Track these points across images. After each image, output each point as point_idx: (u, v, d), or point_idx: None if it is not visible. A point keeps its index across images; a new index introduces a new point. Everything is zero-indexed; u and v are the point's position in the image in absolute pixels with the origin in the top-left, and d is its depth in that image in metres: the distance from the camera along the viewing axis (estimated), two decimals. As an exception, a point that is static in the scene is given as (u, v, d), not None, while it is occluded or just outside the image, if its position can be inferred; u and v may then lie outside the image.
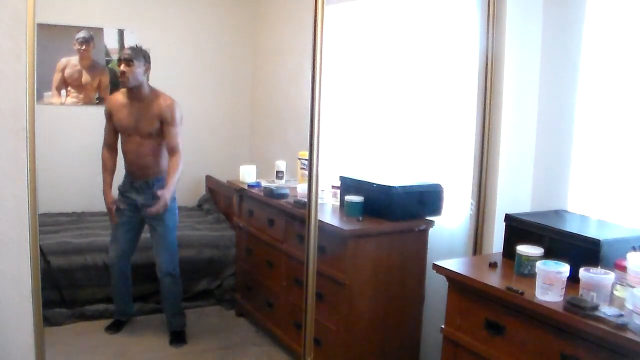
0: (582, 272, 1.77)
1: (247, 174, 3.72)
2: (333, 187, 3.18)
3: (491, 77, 2.56)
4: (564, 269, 1.80)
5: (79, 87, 4.69)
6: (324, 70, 2.24)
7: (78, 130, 4.61)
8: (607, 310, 1.63)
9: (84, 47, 4.63)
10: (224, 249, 4.10)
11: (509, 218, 2.29)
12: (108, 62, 4.68)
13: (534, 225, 2.16)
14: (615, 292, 1.81)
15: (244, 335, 3.62)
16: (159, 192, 3.20)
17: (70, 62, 4.63)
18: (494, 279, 2.02)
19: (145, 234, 3.59)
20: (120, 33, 4.74)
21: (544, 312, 1.76)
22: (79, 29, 4.60)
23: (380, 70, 3.37)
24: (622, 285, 1.80)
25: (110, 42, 4.72)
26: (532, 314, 1.82)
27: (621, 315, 1.61)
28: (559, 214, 2.40)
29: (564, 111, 2.46)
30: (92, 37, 4.64)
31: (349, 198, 2.89)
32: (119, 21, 4.73)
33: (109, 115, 3.38)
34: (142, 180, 3.38)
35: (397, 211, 2.78)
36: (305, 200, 2.44)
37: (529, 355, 1.84)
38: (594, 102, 2.35)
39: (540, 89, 2.57)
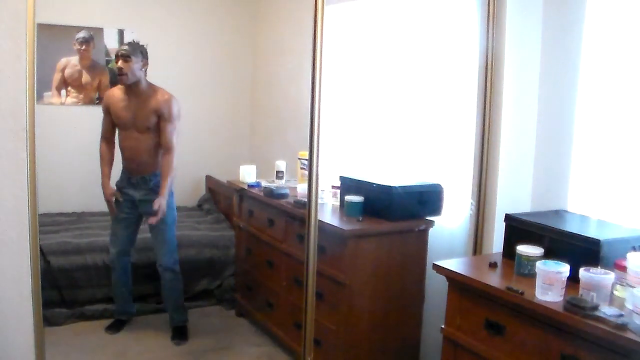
0: (582, 272, 1.77)
1: (247, 174, 3.72)
2: (333, 187, 3.18)
3: (491, 77, 2.56)
4: (564, 269, 1.80)
5: (79, 87, 4.69)
6: (324, 70, 2.24)
7: (78, 130, 4.61)
8: (607, 310, 1.63)
9: (84, 47, 4.63)
10: (224, 249, 4.10)
11: (509, 218, 2.29)
12: (108, 62, 4.68)
13: (534, 225, 2.16)
14: (615, 292, 1.81)
15: (244, 335, 3.62)
16: (155, 202, 3.23)
17: (70, 62, 4.63)
18: (494, 279, 2.02)
19: (145, 234, 3.60)
20: (120, 33, 4.74)
21: (544, 312, 1.76)
22: (79, 29, 4.60)
23: (380, 70, 3.37)
24: (622, 285, 1.80)
25: (110, 42, 4.72)
26: (532, 314, 1.82)
27: (621, 315, 1.61)
28: (559, 214, 2.40)
29: (564, 111, 2.46)
30: (92, 37, 4.64)
31: (349, 198, 2.89)
32: (119, 21, 4.73)
33: (107, 110, 3.39)
34: (139, 176, 3.38)
35: (397, 211, 2.78)
36: (305, 200, 2.44)
37: (529, 355, 1.84)
38: (594, 102, 2.35)
39: (540, 89, 2.57)
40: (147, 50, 3.31)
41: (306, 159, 2.62)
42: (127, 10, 4.75)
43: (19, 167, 2.05)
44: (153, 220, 3.21)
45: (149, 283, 3.76)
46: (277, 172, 3.71)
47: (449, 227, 2.92)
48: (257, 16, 5.14)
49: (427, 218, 2.86)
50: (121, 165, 3.45)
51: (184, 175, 4.73)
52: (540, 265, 1.83)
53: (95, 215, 4.54)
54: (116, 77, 3.31)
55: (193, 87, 5.00)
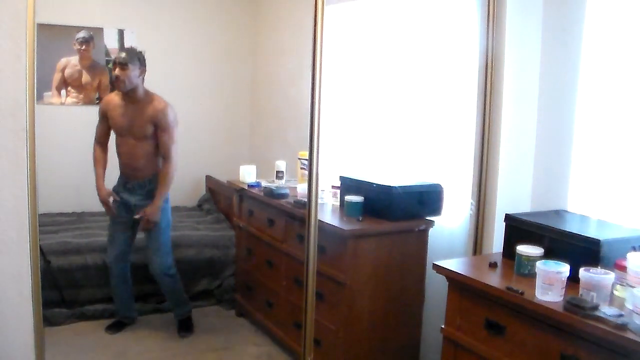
0: (582, 272, 1.77)
1: (247, 174, 3.72)
2: (333, 187, 3.18)
3: (491, 77, 2.56)
4: (564, 269, 1.80)
5: (79, 87, 4.69)
6: (324, 70, 2.24)
7: (78, 130, 4.60)
8: (607, 310, 1.63)
9: (84, 47, 4.63)
10: (224, 249, 4.10)
11: (509, 218, 2.29)
12: (108, 62, 4.68)
13: (534, 225, 2.16)
14: (615, 292, 1.81)
15: (244, 335, 3.62)
16: (147, 210, 3.28)
17: (70, 62, 4.63)
18: (494, 279, 2.02)
19: (142, 234, 3.60)
20: (120, 33, 4.74)
21: (544, 312, 1.76)
22: (79, 29, 4.60)
23: (380, 70, 3.37)
24: (622, 285, 1.80)
25: (110, 42, 4.72)
26: (532, 314, 1.82)
27: (621, 315, 1.61)
28: (559, 214, 2.40)
29: (564, 111, 2.46)
30: (92, 37, 4.64)
31: (349, 198, 2.89)
32: (119, 21, 4.73)
33: (104, 115, 3.40)
34: (136, 181, 3.40)
35: (397, 211, 2.78)
36: (305, 200, 2.44)
37: (529, 355, 1.84)
38: (594, 102, 2.35)
39: (540, 89, 2.57)
40: (145, 57, 3.30)
41: (306, 159, 2.62)
42: (127, 10, 4.76)
43: (19, 167, 2.05)
44: (141, 227, 3.32)
45: (149, 283, 3.75)
46: (277, 172, 3.71)
47: (449, 227, 2.92)
48: (257, 16, 5.14)
49: (427, 218, 2.86)
50: (118, 170, 3.46)
51: (184, 175, 4.73)
52: (540, 265, 1.83)
53: (95, 215, 4.53)
54: (111, 81, 3.33)
55: (193, 87, 5.01)
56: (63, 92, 4.65)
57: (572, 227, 2.14)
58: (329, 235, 2.71)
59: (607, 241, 1.92)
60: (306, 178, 2.45)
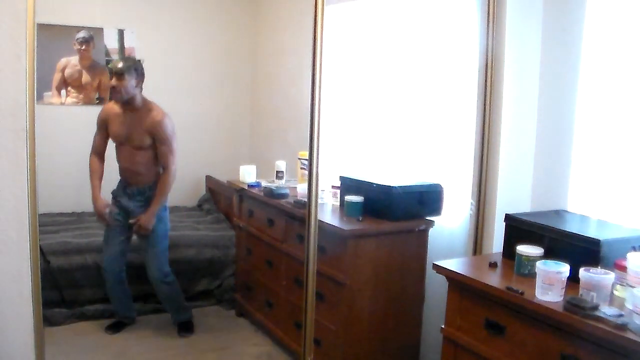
0: (582, 272, 1.77)
1: (247, 174, 3.72)
2: (333, 187, 3.18)
3: (491, 77, 2.56)
4: (564, 269, 1.80)
5: (79, 87, 4.69)
6: (324, 70, 2.24)
7: (78, 130, 4.59)
8: (607, 310, 1.63)
9: (84, 47, 4.63)
10: (224, 249, 4.09)
11: (509, 218, 2.29)
12: (108, 62, 4.68)
13: (534, 225, 2.16)
14: (615, 292, 1.81)
15: (244, 335, 3.62)
16: (142, 217, 3.30)
17: (70, 62, 4.63)
18: (494, 279, 2.02)
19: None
20: (120, 33, 4.74)
21: (544, 312, 1.76)
22: (79, 29, 4.60)
23: (380, 70, 3.37)
24: (622, 285, 1.80)
25: (110, 42, 4.72)
26: (532, 314, 1.82)
27: (621, 315, 1.61)
28: (559, 214, 2.40)
29: (564, 111, 2.46)
30: (92, 37, 4.64)
31: (349, 198, 2.89)
32: (119, 21, 4.73)
33: (104, 125, 3.39)
34: (135, 187, 3.40)
35: (397, 211, 2.78)
36: (305, 200, 2.44)
37: (529, 355, 1.84)
38: (594, 102, 2.35)
39: (540, 89, 2.57)
40: (143, 66, 3.30)
41: (306, 159, 2.62)
42: (127, 10, 4.75)
43: (19, 167, 2.05)
44: (134, 232, 3.34)
45: (148, 283, 3.75)
46: (277, 172, 3.71)
47: (449, 227, 2.92)
48: (257, 16, 5.14)
49: (427, 218, 2.86)
50: (115, 174, 3.47)
51: (184, 175, 4.72)
52: (540, 265, 1.83)
53: (95, 215, 4.52)
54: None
55: (193, 87, 5.00)
56: (63, 92, 4.65)
57: (572, 227, 2.14)
58: (329, 235, 2.71)
59: (607, 241, 1.92)
60: (306, 178, 2.45)
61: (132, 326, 3.63)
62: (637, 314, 1.57)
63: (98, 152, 3.43)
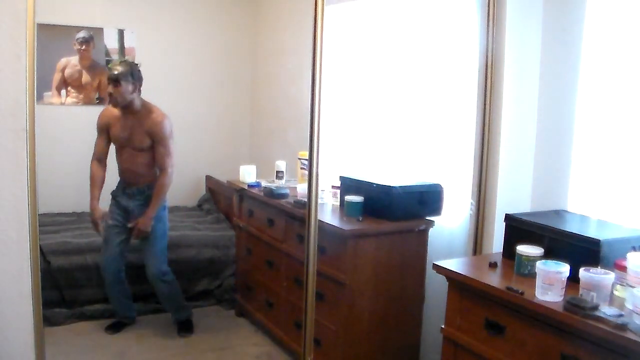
0: (582, 272, 1.77)
1: (247, 174, 3.72)
2: (333, 187, 3.18)
3: (491, 77, 2.56)
4: (564, 269, 1.80)
5: (79, 87, 4.69)
6: (324, 70, 2.24)
7: (78, 130, 4.60)
8: (607, 310, 1.63)
9: (84, 47, 4.63)
10: (224, 249, 4.09)
11: (509, 218, 2.29)
12: (108, 62, 4.68)
13: (534, 225, 2.16)
14: (615, 292, 1.81)
15: (244, 335, 3.62)
16: (140, 220, 3.31)
17: (70, 62, 4.63)
18: (494, 279, 2.02)
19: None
20: (120, 33, 4.74)
21: (544, 312, 1.76)
22: (79, 29, 4.60)
23: (380, 70, 3.37)
24: (622, 285, 1.80)
25: (110, 42, 4.72)
26: (532, 314, 1.82)
27: (621, 315, 1.61)
28: (559, 214, 2.40)
29: (564, 111, 2.46)
30: (92, 37, 4.64)
31: (349, 198, 2.89)
32: (119, 21, 4.73)
33: (105, 129, 3.39)
34: (135, 187, 3.41)
35: (397, 211, 2.78)
36: (305, 200, 2.44)
37: (529, 355, 1.84)
38: (594, 102, 2.35)
39: (540, 89, 2.57)
40: (140, 70, 3.29)
41: (306, 159, 2.62)
42: (127, 10, 4.75)
43: (19, 167, 2.05)
44: (134, 236, 3.36)
45: (148, 283, 3.75)
46: (277, 172, 3.71)
47: (449, 227, 2.92)
48: (257, 16, 5.14)
49: (427, 218, 2.86)
50: (114, 176, 3.48)
51: (184, 175, 4.74)
52: (540, 265, 1.83)
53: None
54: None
55: (193, 87, 5.01)
56: (63, 92, 4.65)
57: (572, 227, 2.14)
58: (329, 235, 2.71)
59: (607, 241, 1.91)
60: (306, 178, 2.45)
61: (132, 326, 3.64)
62: (637, 314, 1.57)
63: (99, 158, 3.42)
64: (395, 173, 3.20)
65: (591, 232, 2.04)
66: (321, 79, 2.24)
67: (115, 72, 3.18)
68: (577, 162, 2.41)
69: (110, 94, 3.22)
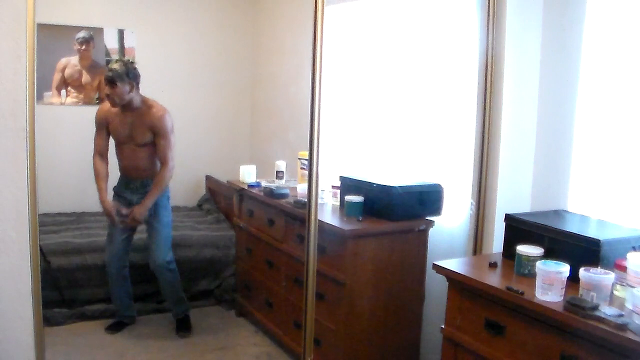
0: (582, 272, 1.77)
1: (247, 174, 3.72)
2: (333, 187, 3.18)
3: (491, 77, 2.56)
4: (564, 269, 1.80)
5: (79, 87, 4.69)
6: (324, 70, 2.24)
7: (78, 130, 4.60)
8: (607, 310, 1.63)
9: (84, 47, 4.63)
10: (224, 249, 4.10)
11: (509, 218, 2.29)
12: (108, 62, 4.68)
13: (534, 225, 2.16)
14: (615, 292, 1.81)
15: (244, 335, 3.62)
16: (136, 209, 3.33)
17: (70, 62, 4.63)
18: (494, 279, 2.02)
19: (143, 234, 3.61)
20: (120, 33, 4.74)
21: (544, 312, 1.76)
22: (79, 29, 4.60)
23: (380, 70, 3.37)
24: (622, 285, 1.80)
25: (110, 42, 4.72)
26: (532, 314, 1.82)
27: (621, 315, 1.61)
28: (559, 214, 2.40)
29: (564, 111, 2.46)
30: (92, 37, 4.64)
31: (349, 198, 2.89)
32: (119, 21, 4.73)
33: (103, 125, 3.40)
34: (138, 180, 3.44)
35: (397, 211, 2.78)
36: (305, 200, 2.44)
37: (529, 355, 1.84)
38: (594, 102, 2.35)
39: (540, 89, 2.57)
40: (136, 68, 3.29)
41: (306, 159, 2.62)
42: (127, 10, 4.75)
43: (19, 167, 2.05)
44: (128, 222, 3.35)
45: (148, 283, 3.76)
46: (277, 172, 3.71)
47: (449, 227, 2.92)
48: (257, 16, 5.14)
49: (427, 218, 2.86)
50: (114, 172, 3.48)
51: (184, 175, 4.74)
52: (540, 265, 1.83)
53: (95, 215, 4.53)
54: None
55: (193, 87, 5.00)
56: (63, 92, 4.65)
57: (572, 227, 2.14)
58: (329, 235, 2.71)
59: (607, 241, 1.92)
60: (306, 178, 2.45)
61: (132, 326, 3.64)
62: (637, 314, 1.57)
63: (101, 153, 3.43)
64: (395, 173, 3.20)
65: (591, 232, 2.04)
66: (321, 79, 2.24)
67: (111, 74, 3.19)
68: (577, 162, 2.41)
69: (108, 95, 3.22)
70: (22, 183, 2.06)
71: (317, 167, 2.30)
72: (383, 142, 3.38)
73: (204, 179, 5.16)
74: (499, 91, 2.55)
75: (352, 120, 3.63)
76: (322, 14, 2.21)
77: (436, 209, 2.89)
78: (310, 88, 2.24)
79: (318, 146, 2.28)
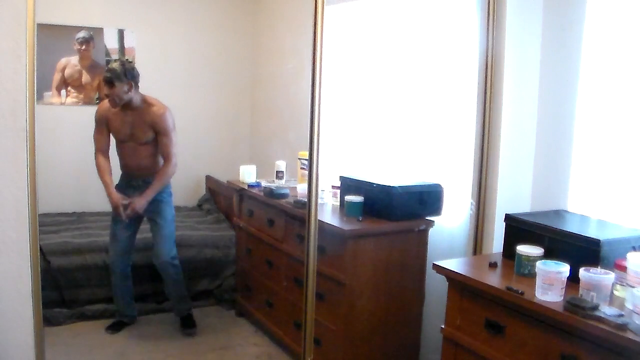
0: (582, 272, 1.77)
1: (247, 174, 3.72)
2: (333, 187, 3.18)
3: (491, 77, 2.56)
4: (564, 269, 1.80)
5: (79, 87, 4.69)
6: (324, 70, 2.24)
7: (78, 130, 4.60)
8: (607, 310, 1.63)
9: (84, 47, 4.63)
10: (224, 249, 4.09)
11: (509, 218, 2.29)
12: (108, 62, 4.67)
13: (534, 225, 2.16)
14: (615, 292, 1.81)
15: (244, 335, 3.62)
16: (136, 200, 3.32)
17: (70, 62, 4.63)
18: (494, 279, 2.02)
19: (144, 234, 3.61)
20: (120, 33, 4.74)
21: (544, 312, 1.76)
22: (79, 29, 4.60)
23: (380, 70, 3.37)
24: (622, 285, 1.80)
25: (110, 42, 4.72)
26: (532, 314, 1.82)
27: (621, 315, 1.61)
28: (559, 214, 2.40)
29: (564, 111, 2.46)
30: (92, 37, 4.65)
31: (349, 198, 2.89)
32: (119, 21, 4.73)
33: (103, 123, 3.40)
34: (141, 178, 3.44)
35: (397, 211, 2.78)
36: (305, 200, 2.44)
37: (529, 355, 1.84)
38: (594, 102, 2.35)
39: (540, 89, 2.57)
40: (135, 68, 3.29)
41: (306, 159, 2.62)
42: (127, 10, 4.75)
43: (19, 167, 2.05)
44: (126, 214, 3.32)
45: (149, 283, 3.77)
46: (277, 172, 3.72)
47: (449, 227, 2.92)
48: (257, 16, 5.14)
49: (427, 218, 2.86)
50: (120, 170, 3.49)
51: (184, 175, 4.73)
52: (540, 265, 1.83)
53: (95, 215, 4.54)
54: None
55: (193, 87, 5.00)
56: (63, 92, 4.65)
57: (572, 227, 2.14)
58: (329, 235, 2.71)
59: (607, 241, 1.92)
60: (306, 178, 2.45)
61: (132, 326, 3.64)
62: (637, 314, 1.57)
63: (102, 150, 3.43)
64: (395, 173, 3.20)
65: (591, 232, 2.04)
66: (321, 79, 2.24)
67: (109, 74, 3.19)
68: (577, 162, 2.41)
69: (108, 95, 3.23)
70: (22, 183, 2.06)
71: (317, 167, 2.30)
72: (383, 142, 3.38)
73: (204, 179, 5.16)
74: (499, 91, 2.55)
75: (352, 120, 3.63)
76: (322, 14, 2.21)
77: (436, 209, 2.89)
78: (310, 88, 2.24)
79: (318, 146, 2.28)
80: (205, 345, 3.46)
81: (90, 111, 4.59)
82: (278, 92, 4.70)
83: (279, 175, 3.71)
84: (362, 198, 2.87)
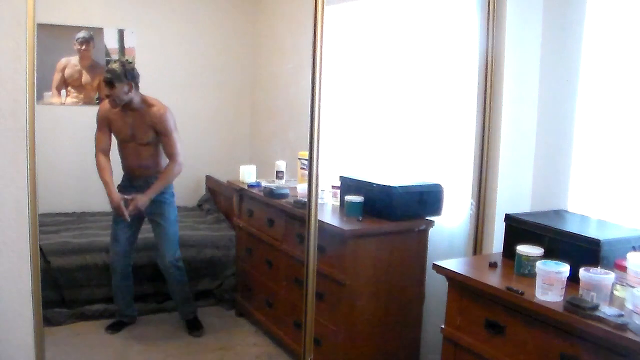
0: (582, 272, 1.77)
1: (247, 174, 3.72)
2: (333, 187, 3.18)
3: (491, 77, 2.56)
4: (564, 269, 1.80)
5: (79, 87, 4.69)
6: (324, 71, 2.24)
7: (78, 130, 4.60)
8: (607, 310, 1.63)
9: (84, 47, 4.63)
10: (224, 249, 4.09)
11: (509, 218, 2.29)
12: (108, 62, 4.68)
13: (534, 225, 2.16)
14: (615, 292, 1.81)
15: (244, 335, 3.62)
16: (138, 197, 3.31)
17: (70, 62, 4.63)
18: (494, 279, 2.02)
19: (144, 234, 3.61)
20: (120, 33, 4.74)
21: (544, 312, 1.76)
22: (79, 29, 4.60)
23: (380, 70, 3.37)
24: (622, 285, 1.80)
25: (110, 42, 4.72)
26: (532, 314, 1.82)
27: (621, 315, 1.61)
28: (559, 214, 2.40)
29: (564, 111, 2.46)
30: (92, 37, 4.65)
31: (349, 198, 2.89)
32: (119, 21, 4.73)
33: (105, 123, 3.39)
34: (143, 178, 3.44)
35: (397, 211, 2.78)
36: (305, 200, 2.44)
37: (529, 355, 1.84)
38: (594, 102, 2.35)
39: (540, 89, 2.57)
40: (134, 68, 3.28)
41: (306, 159, 2.62)
42: (127, 10, 4.76)
43: (19, 167, 2.05)
44: (128, 210, 3.30)
45: (149, 283, 3.77)
46: (277, 172, 3.72)
47: (449, 227, 2.92)
48: (257, 16, 5.14)
49: (427, 218, 2.86)
50: (121, 170, 3.49)
51: (184, 175, 4.70)
52: (540, 265, 1.83)
53: (95, 215, 4.54)
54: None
55: (193, 87, 5.00)
56: (63, 92, 4.65)
57: (572, 227, 2.14)
58: (329, 235, 2.71)
59: (607, 241, 1.92)
60: (306, 178, 2.45)
61: (132, 326, 3.64)
62: (637, 314, 1.57)
63: (103, 150, 3.42)
64: (395, 173, 3.20)
65: (591, 232, 2.04)
66: (321, 79, 2.24)
67: (109, 75, 3.19)
68: (577, 162, 2.41)
69: (107, 96, 3.23)
70: (22, 183, 2.06)
71: (317, 167, 2.30)
72: (383, 142, 3.38)
73: (204, 179, 5.16)
74: (499, 91, 2.55)
75: (352, 120, 3.63)
76: (322, 14, 2.21)
77: (436, 209, 2.89)
78: (310, 88, 2.24)
79: (318, 146, 2.28)
80: (206, 345, 3.46)
81: (90, 111, 4.61)
82: (278, 92, 4.70)
83: (279, 175, 3.71)
84: (362, 198, 2.87)
